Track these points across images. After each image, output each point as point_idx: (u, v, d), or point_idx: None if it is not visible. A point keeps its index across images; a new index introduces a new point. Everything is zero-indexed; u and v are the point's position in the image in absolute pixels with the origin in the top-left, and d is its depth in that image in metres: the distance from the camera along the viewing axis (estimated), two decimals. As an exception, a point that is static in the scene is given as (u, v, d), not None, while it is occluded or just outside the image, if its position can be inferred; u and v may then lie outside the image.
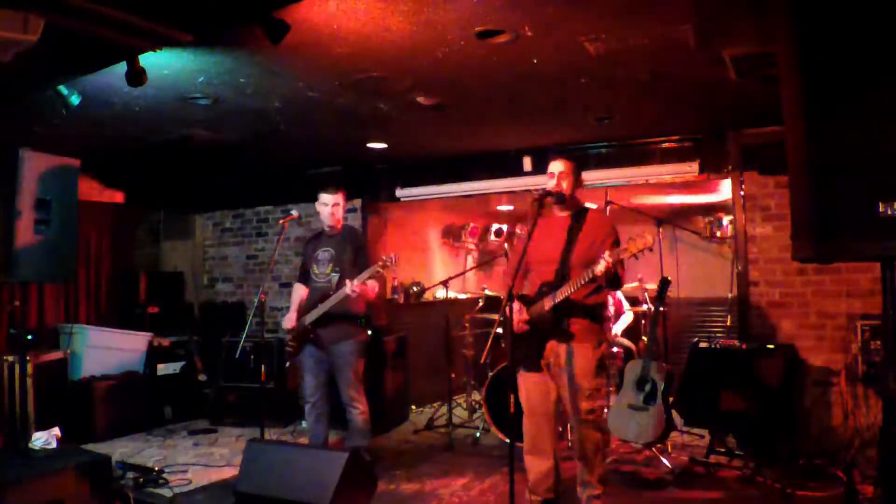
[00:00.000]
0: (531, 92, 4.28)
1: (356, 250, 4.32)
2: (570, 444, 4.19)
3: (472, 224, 8.46)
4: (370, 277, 4.03)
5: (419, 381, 6.65)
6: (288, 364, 4.33)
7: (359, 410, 4.22)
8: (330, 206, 4.31)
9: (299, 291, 4.47)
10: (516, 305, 3.49)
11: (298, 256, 5.77)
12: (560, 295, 3.30)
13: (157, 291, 7.03)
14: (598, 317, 3.49)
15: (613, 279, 3.30)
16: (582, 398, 3.35)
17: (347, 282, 3.99)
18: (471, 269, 6.22)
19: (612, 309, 5.58)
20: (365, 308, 4.31)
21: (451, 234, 8.51)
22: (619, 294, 5.71)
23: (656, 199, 7.14)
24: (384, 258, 3.97)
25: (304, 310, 4.32)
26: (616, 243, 3.36)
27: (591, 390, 3.36)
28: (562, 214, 3.53)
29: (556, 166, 3.49)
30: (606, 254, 3.13)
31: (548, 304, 3.35)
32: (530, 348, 3.46)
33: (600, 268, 3.11)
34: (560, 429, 4.31)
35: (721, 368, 4.67)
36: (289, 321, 4.32)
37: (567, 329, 3.37)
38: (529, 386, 3.51)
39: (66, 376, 5.43)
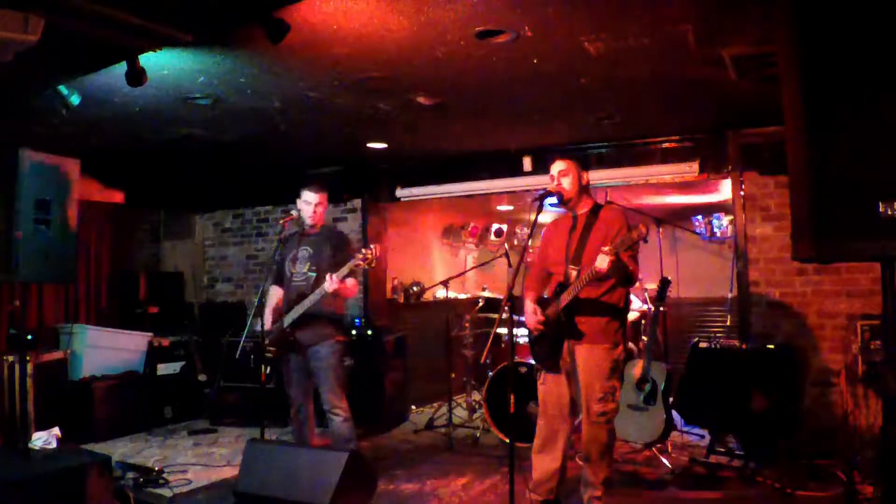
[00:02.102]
0: (531, 92, 4.28)
1: (335, 248, 4.15)
2: (571, 442, 4.19)
3: (472, 224, 8.46)
4: (348, 273, 3.85)
5: (419, 381, 6.65)
6: (269, 368, 4.16)
7: (341, 418, 4.05)
8: (313, 205, 4.15)
9: (275, 294, 4.31)
10: (531, 307, 3.49)
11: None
12: (567, 296, 3.29)
13: (157, 291, 7.03)
14: (616, 316, 3.39)
15: (624, 276, 3.23)
16: (593, 400, 3.32)
17: (327, 278, 3.84)
18: (471, 269, 6.22)
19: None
20: (343, 309, 4.22)
21: (451, 234, 8.51)
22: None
23: (656, 199, 7.14)
24: (363, 251, 3.79)
25: (281, 312, 4.16)
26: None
27: (603, 392, 3.32)
28: (571, 214, 3.54)
29: (556, 167, 3.49)
30: (605, 249, 3.07)
31: (560, 304, 3.35)
32: (548, 349, 3.45)
33: (599, 264, 3.06)
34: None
35: (721, 368, 4.67)
36: (265, 322, 4.15)
37: (580, 329, 3.33)
38: (546, 387, 3.51)
39: (66, 376, 5.43)
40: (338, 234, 4.39)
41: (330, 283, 3.81)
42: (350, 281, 3.98)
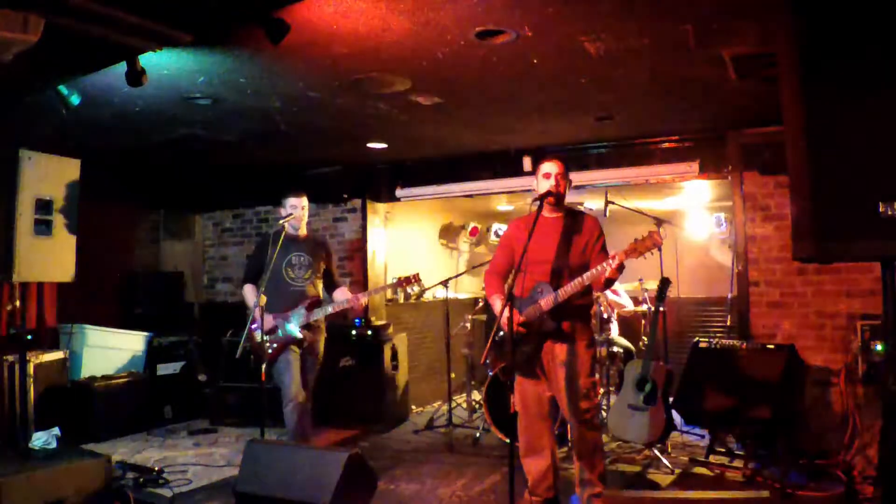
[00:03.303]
0: (531, 92, 4.28)
1: (326, 259, 4.53)
2: (570, 443, 4.19)
3: (472, 224, 8.45)
4: (381, 291, 4.36)
5: (419, 381, 6.65)
6: (265, 366, 4.28)
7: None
8: (300, 209, 4.40)
9: (254, 293, 4.39)
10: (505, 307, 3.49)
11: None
12: (563, 294, 3.30)
13: (157, 291, 7.03)
14: (589, 316, 3.59)
15: (610, 279, 3.31)
16: (579, 397, 3.36)
17: (351, 294, 4.38)
18: (470, 269, 6.22)
19: (611, 308, 5.59)
20: None
21: (451, 234, 8.50)
22: (622, 291, 5.72)
23: (656, 199, 7.14)
24: (405, 278, 4.34)
25: (278, 312, 4.32)
26: (604, 246, 3.46)
27: (587, 389, 3.39)
28: (554, 215, 3.53)
29: (552, 167, 3.48)
30: (617, 252, 3.17)
31: (547, 304, 3.35)
32: (529, 350, 3.46)
33: (613, 265, 3.15)
34: (559, 430, 4.31)
35: (721, 368, 4.67)
36: (267, 322, 4.28)
37: (563, 329, 3.39)
38: (524, 388, 3.53)
39: (66, 376, 5.42)
40: (324, 243, 4.70)
41: (361, 300, 4.32)
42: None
